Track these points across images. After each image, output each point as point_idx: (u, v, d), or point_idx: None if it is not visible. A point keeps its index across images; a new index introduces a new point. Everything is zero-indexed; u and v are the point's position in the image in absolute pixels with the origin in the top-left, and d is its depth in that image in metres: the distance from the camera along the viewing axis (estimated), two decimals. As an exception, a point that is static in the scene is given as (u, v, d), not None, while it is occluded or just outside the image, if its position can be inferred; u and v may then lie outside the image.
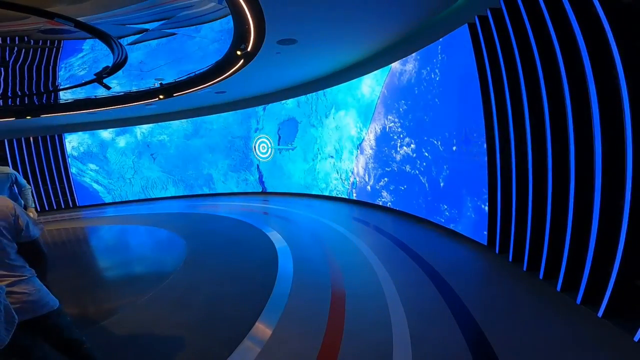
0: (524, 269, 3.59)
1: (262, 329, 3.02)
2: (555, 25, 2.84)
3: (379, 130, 6.02)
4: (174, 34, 4.96)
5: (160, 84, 7.18)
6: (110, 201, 11.49)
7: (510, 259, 3.81)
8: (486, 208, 4.12)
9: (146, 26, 4.69)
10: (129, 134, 10.93)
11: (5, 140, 11.33)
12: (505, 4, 3.40)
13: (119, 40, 4.94)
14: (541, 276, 3.35)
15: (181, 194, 11.01)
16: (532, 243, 3.50)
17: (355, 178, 6.91)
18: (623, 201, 2.44)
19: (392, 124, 5.62)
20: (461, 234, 4.67)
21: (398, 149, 5.58)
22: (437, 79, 4.57)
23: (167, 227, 7.28)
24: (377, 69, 5.93)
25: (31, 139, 11.49)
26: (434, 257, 4.26)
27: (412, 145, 5.22)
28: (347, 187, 7.19)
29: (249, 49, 5.10)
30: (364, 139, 6.48)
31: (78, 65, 5.93)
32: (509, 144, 3.75)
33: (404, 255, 4.38)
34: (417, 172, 5.20)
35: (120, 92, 7.89)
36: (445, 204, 4.70)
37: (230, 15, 4.59)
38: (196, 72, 6.79)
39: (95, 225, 8.63)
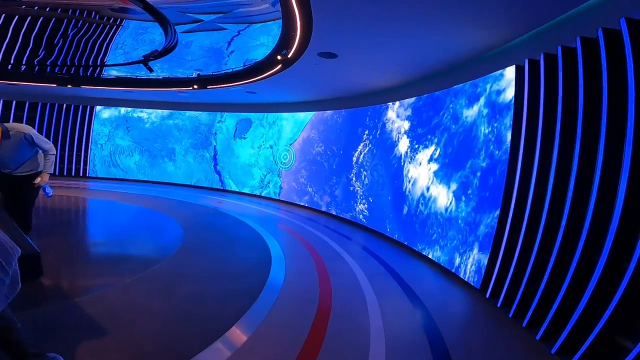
0: (510, 315, 3.46)
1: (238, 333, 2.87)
2: (610, 82, 2.64)
3: (306, 137, 9.33)
4: (224, 29, 5.16)
5: (198, 74, 7.39)
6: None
7: (499, 305, 3.66)
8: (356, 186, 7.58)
9: (202, 17, 4.90)
10: (114, 108, 11.93)
11: (39, 103, 11.52)
12: (563, 52, 3.14)
13: (175, 26, 5.14)
14: (525, 324, 3.25)
15: (145, 162, 12.03)
16: (525, 292, 3.34)
17: (285, 162, 9.99)
18: (628, 265, 2.39)
19: (314, 135, 9.08)
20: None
21: (315, 148, 9.01)
22: (340, 120, 8.29)
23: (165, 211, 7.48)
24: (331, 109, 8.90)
25: (64, 105, 11.70)
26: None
27: (322, 147, 8.79)
28: (279, 166, 10.15)
29: (289, 56, 5.19)
30: (296, 139, 9.62)
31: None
32: (526, 196, 3.47)
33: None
34: (322, 160, 8.73)
35: (159, 76, 8.10)
36: (334, 176, 8.30)
37: (271, 21, 4.77)
38: (234, 69, 7.01)
39: (98, 198, 8.60)
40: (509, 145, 3.86)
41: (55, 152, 4.07)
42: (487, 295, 3.86)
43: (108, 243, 5.24)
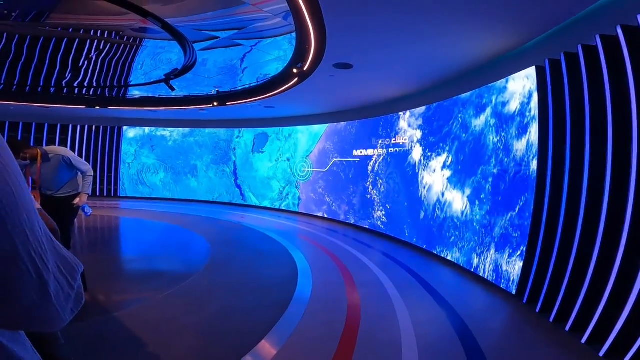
0: (551, 320, 3.11)
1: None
2: (637, 78, 2.42)
3: (321, 148, 9.13)
4: (240, 44, 4.99)
5: (217, 91, 7.25)
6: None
7: (538, 310, 3.30)
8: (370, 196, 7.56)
9: (218, 34, 4.74)
10: (138, 128, 11.96)
11: (70, 125, 11.55)
12: (584, 50, 2.91)
13: (193, 44, 5.00)
14: (568, 328, 2.93)
15: (170, 179, 11.96)
16: (565, 295, 3.01)
17: (302, 174, 9.79)
18: None
19: (329, 146, 8.87)
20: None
21: (330, 159, 8.79)
22: (354, 131, 8.04)
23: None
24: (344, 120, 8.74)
25: (93, 127, 11.71)
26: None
27: (338, 158, 8.57)
28: (297, 178, 9.91)
29: (305, 69, 5.00)
30: (312, 151, 9.41)
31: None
32: (560, 195, 3.15)
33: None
34: (339, 170, 8.51)
35: (180, 95, 8.00)
36: (352, 185, 8.06)
37: (282, 35, 4.59)
38: (251, 85, 6.85)
39: (129, 217, 8.53)
40: (516, 152, 3.79)
41: (92, 174, 4.06)
42: (525, 301, 3.51)
43: (141, 260, 5.13)
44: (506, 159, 3.95)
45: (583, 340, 2.74)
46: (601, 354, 2.55)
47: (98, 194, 11.69)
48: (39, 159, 3.66)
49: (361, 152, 7.71)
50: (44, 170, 3.72)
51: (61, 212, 3.95)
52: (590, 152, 2.83)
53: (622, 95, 2.58)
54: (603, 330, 2.61)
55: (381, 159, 7.09)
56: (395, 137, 6.68)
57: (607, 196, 2.66)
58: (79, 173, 4.01)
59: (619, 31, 2.52)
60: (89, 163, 11.17)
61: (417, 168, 5.98)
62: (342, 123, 8.48)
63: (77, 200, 3.93)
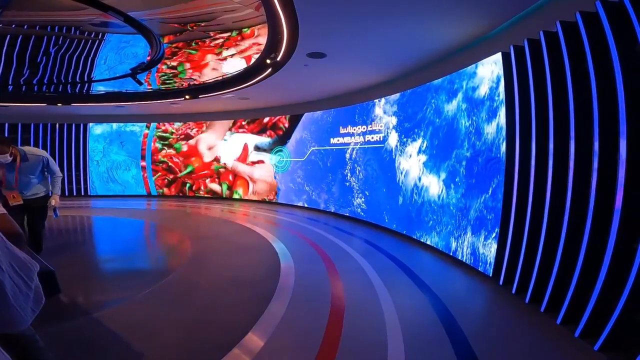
0: (527, 301, 3.24)
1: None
2: (595, 63, 2.55)
3: (298, 137, 9.19)
4: (209, 36, 4.92)
5: (189, 84, 7.12)
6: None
7: (514, 291, 3.44)
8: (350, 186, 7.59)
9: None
10: (105, 124, 11.47)
11: (32, 124, 11.02)
12: (545, 37, 3.03)
13: (159, 37, 4.88)
14: (543, 309, 3.05)
15: (142, 176, 11.62)
16: (538, 277, 3.14)
17: (283, 163, 9.70)
18: (637, 244, 2.26)
19: (306, 135, 8.93)
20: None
21: (308, 148, 8.86)
22: (330, 119, 8.10)
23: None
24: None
25: (57, 125, 11.20)
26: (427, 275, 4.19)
27: (315, 146, 8.62)
28: (275, 169, 9.87)
29: (278, 59, 4.96)
30: (289, 141, 9.47)
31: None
32: (528, 176, 3.31)
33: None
34: (317, 159, 8.59)
35: (149, 89, 7.80)
36: (330, 173, 8.17)
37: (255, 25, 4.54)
38: (224, 76, 6.74)
39: (103, 216, 8.30)
40: (487, 136, 3.90)
41: (61, 175, 4.12)
42: (501, 283, 3.67)
43: (118, 259, 5.02)
44: (478, 142, 4.07)
45: (558, 321, 2.85)
46: (576, 334, 2.65)
47: (67, 194, 11.23)
48: (18, 160, 3.65)
49: (338, 140, 7.75)
50: (20, 171, 3.70)
51: (32, 214, 3.95)
52: (554, 133, 2.97)
53: (582, 77, 2.70)
54: (576, 311, 2.73)
55: (358, 146, 7.16)
56: (371, 124, 6.76)
57: (571, 175, 2.78)
58: (47, 174, 4.02)
59: (578, 17, 2.65)
60: (56, 162, 10.88)
61: (393, 154, 6.09)
62: (318, 112, 8.44)
63: (53, 202, 3.99)
